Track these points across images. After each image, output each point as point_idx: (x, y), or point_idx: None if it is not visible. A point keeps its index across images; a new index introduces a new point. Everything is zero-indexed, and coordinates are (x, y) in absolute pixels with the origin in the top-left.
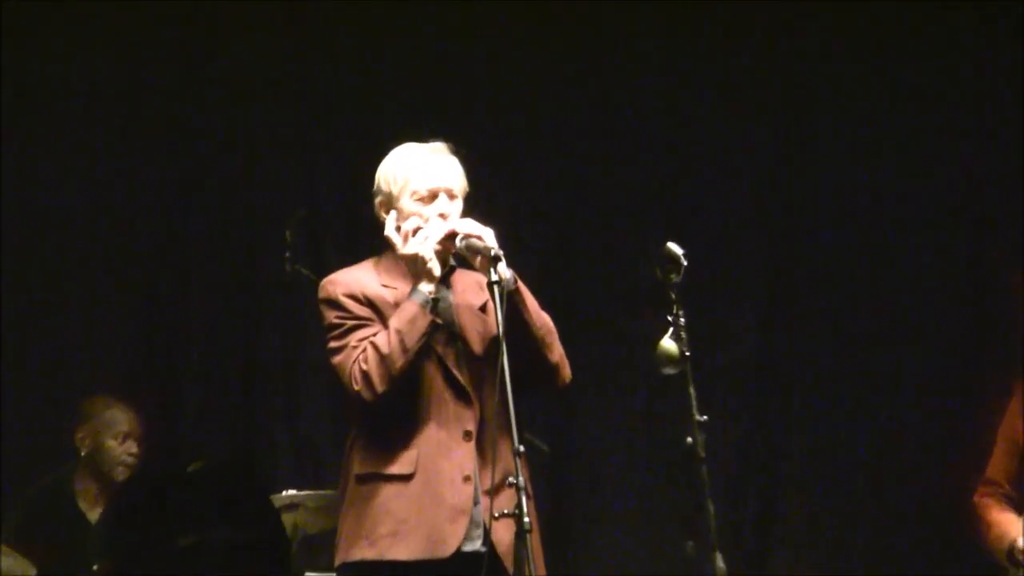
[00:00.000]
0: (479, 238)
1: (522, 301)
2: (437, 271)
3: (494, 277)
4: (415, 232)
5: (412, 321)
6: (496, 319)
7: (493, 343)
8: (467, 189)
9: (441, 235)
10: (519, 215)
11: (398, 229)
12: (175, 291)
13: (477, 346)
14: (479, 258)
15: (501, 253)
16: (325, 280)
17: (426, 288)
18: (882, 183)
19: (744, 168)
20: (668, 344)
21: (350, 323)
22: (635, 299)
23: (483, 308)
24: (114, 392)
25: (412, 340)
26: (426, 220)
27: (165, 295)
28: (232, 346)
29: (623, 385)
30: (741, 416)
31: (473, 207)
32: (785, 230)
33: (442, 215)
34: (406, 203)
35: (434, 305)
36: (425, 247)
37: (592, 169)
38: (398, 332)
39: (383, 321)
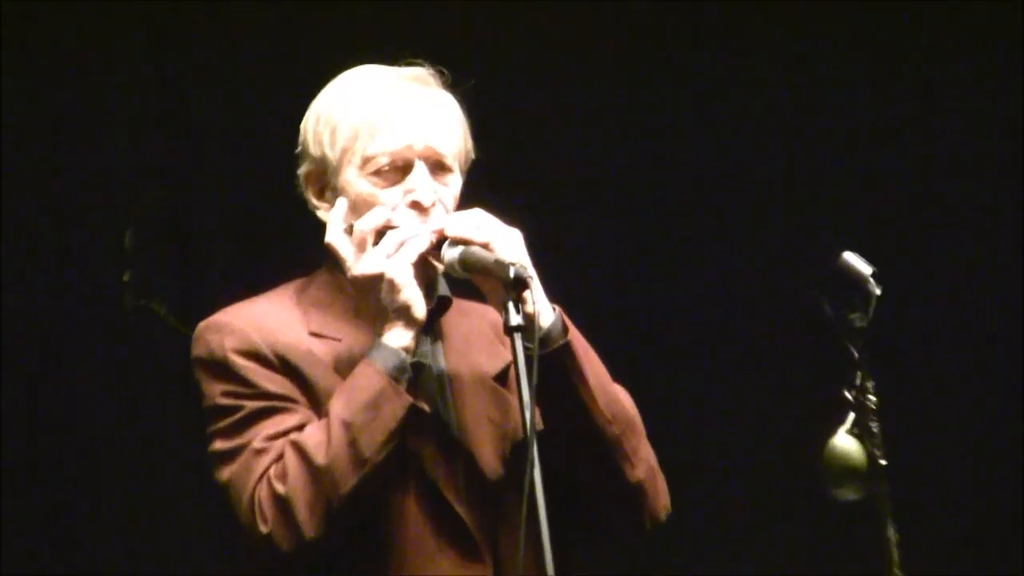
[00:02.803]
0: (486, 246)
1: (574, 367)
2: (420, 310)
3: (515, 319)
4: (379, 235)
5: (374, 405)
6: (520, 401)
7: (521, 448)
8: (471, 155)
9: (426, 242)
10: (573, 204)
11: (349, 231)
12: None
13: (491, 453)
14: (488, 283)
15: (532, 274)
16: (204, 324)
17: (399, 341)
18: None
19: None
20: (846, 444)
21: (251, 406)
22: (785, 359)
23: (501, 378)
24: None
25: (374, 442)
26: (394, 209)
27: None
28: (29, 445)
29: (764, 521)
30: None
31: (486, 191)
32: None
33: (416, 204)
34: (352, 178)
35: (415, 374)
36: (397, 264)
37: (704, 129)
38: (347, 426)
39: (315, 403)
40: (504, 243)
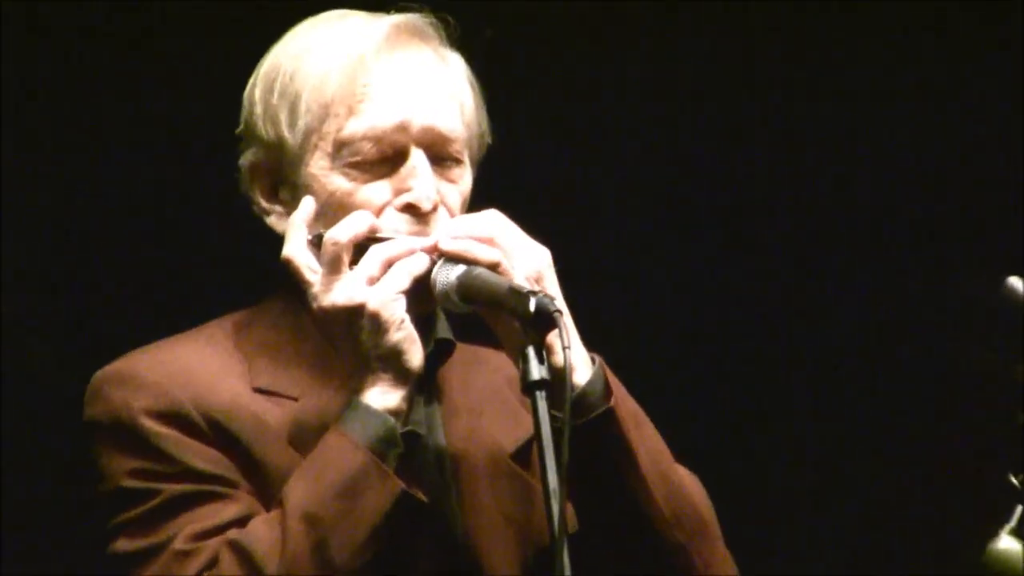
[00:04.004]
0: (495, 267)
1: (621, 442)
2: (416, 358)
3: (537, 372)
4: (355, 252)
5: (350, 492)
6: (546, 489)
7: (547, 555)
8: (487, 139)
9: (425, 262)
10: (627, 212)
11: (316, 242)
12: None
13: (508, 561)
14: (501, 321)
15: (562, 309)
16: (103, 375)
17: (385, 402)
18: None
19: None
20: (1011, 548)
21: (171, 490)
22: (926, 431)
23: (523, 456)
24: None
25: (349, 544)
26: (380, 213)
27: None
28: None
29: None
30: None
31: (510, 188)
32: None
33: (412, 207)
34: (321, 170)
35: (407, 448)
36: (384, 292)
37: (816, 126)
38: (312, 522)
39: (262, 487)
40: (523, 263)
